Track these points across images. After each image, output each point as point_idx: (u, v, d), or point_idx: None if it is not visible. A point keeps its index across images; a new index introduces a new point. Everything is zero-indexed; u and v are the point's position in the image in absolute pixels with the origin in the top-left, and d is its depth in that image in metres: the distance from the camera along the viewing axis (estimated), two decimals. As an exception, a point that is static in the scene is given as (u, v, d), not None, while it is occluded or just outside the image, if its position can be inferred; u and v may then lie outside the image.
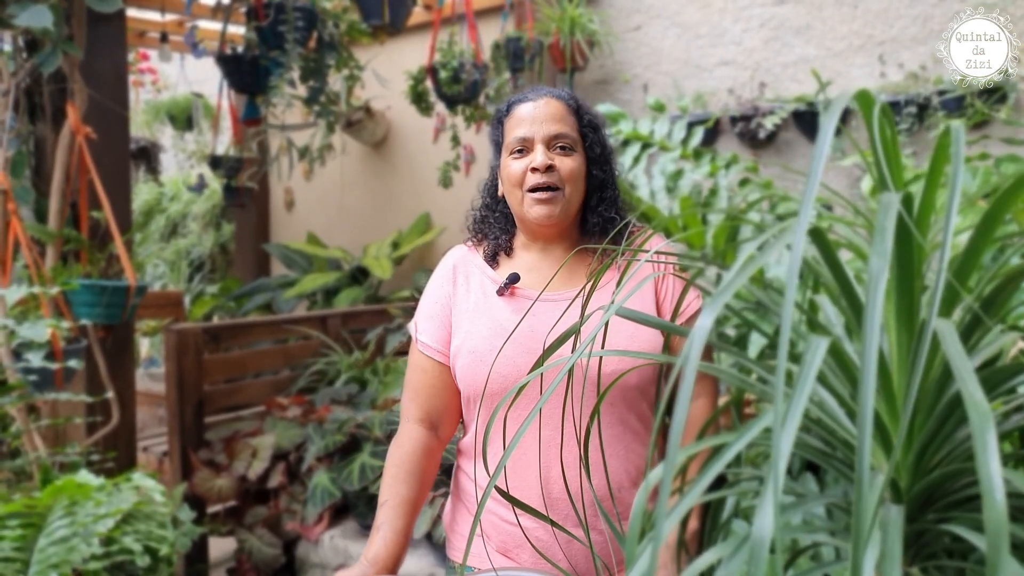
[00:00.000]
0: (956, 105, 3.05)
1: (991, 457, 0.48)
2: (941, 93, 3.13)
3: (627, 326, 1.22)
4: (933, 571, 0.79)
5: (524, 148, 1.29)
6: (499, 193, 1.37)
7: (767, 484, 0.52)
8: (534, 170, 1.26)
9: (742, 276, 0.58)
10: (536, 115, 1.29)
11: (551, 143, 1.28)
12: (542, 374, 1.19)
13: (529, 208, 1.28)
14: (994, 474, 0.47)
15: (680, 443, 1.36)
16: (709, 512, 1.04)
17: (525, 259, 1.35)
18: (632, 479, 1.26)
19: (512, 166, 1.29)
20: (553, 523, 0.98)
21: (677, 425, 0.54)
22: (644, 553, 0.62)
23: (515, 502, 0.96)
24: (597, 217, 1.33)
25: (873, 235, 0.56)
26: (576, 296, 1.11)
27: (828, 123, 0.59)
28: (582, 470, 1.14)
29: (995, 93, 3.03)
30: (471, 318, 1.29)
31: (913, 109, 3.22)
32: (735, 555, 0.67)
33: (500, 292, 1.30)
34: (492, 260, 1.36)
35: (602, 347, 1.09)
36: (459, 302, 1.33)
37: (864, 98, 0.64)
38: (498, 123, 1.37)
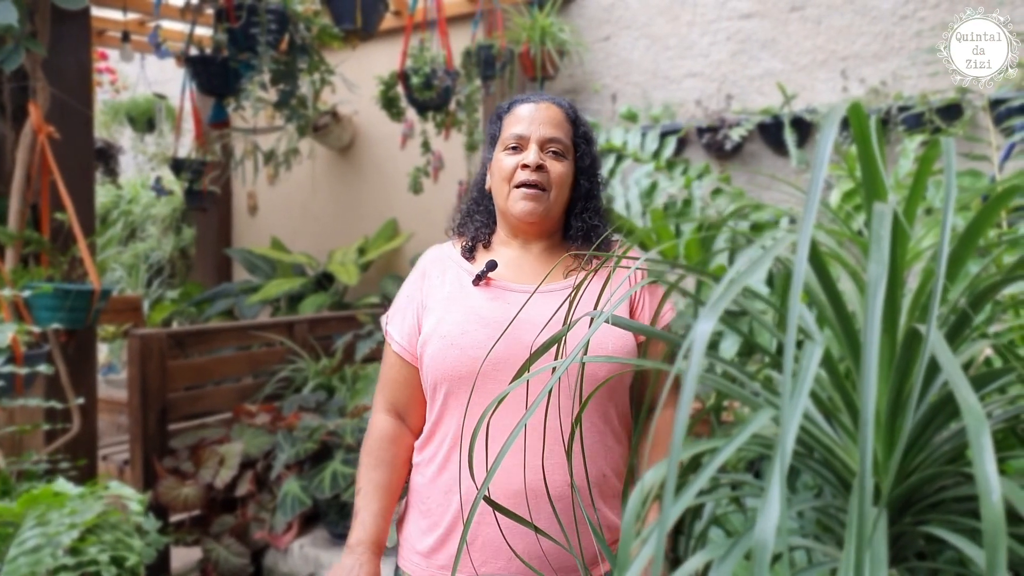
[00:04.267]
0: (916, 121, 3.15)
1: (987, 459, 0.49)
2: (901, 109, 3.23)
3: (600, 329, 1.24)
4: (906, 573, 0.81)
5: (518, 145, 1.33)
6: (487, 187, 1.41)
7: (771, 486, 0.53)
8: (524, 167, 1.30)
9: (739, 283, 0.59)
10: (535, 116, 1.34)
11: (545, 145, 1.33)
12: (517, 364, 1.20)
13: (514, 202, 1.31)
14: (990, 475, 0.49)
15: (652, 451, 1.36)
16: (686, 519, 1.05)
17: (503, 255, 1.37)
18: (594, 480, 1.27)
19: (504, 160, 1.33)
20: (538, 530, 0.98)
21: (680, 425, 0.55)
22: (646, 548, 0.63)
23: (497, 507, 0.96)
24: (581, 223, 1.37)
25: (870, 243, 0.58)
26: (574, 293, 1.12)
27: (827, 133, 0.60)
28: (544, 466, 1.15)
29: (951, 110, 3.14)
30: (444, 306, 1.31)
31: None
32: (726, 558, 0.67)
33: (476, 281, 1.32)
34: (469, 254, 1.39)
35: (585, 350, 1.11)
36: (432, 294, 1.35)
37: (857, 111, 0.66)
38: (497, 118, 1.41)
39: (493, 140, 1.40)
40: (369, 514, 1.30)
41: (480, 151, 2.72)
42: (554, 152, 1.33)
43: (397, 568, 1.36)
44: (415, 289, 1.38)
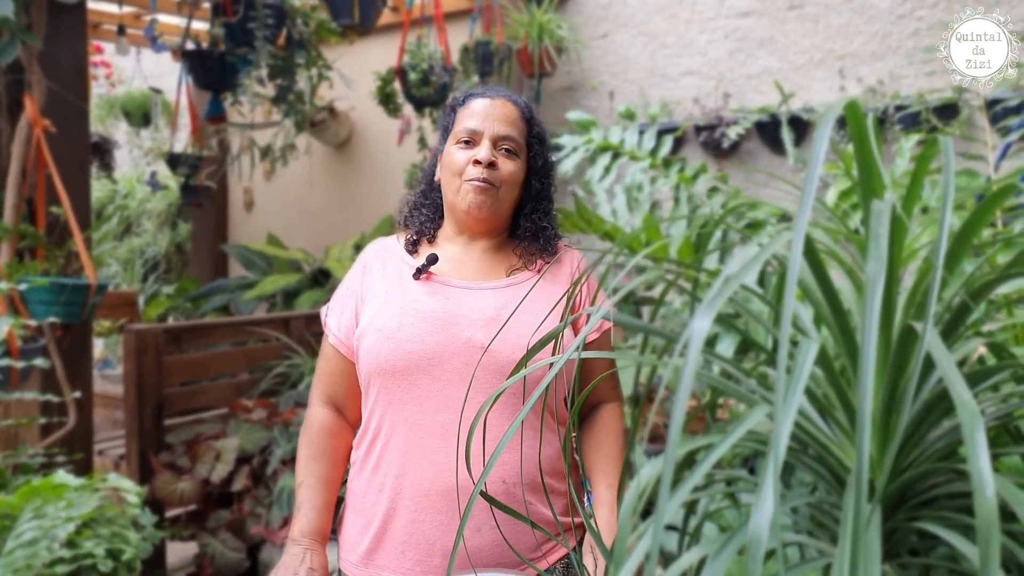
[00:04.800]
0: (912, 120, 3.16)
1: (981, 455, 0.50)
2: (898, 108, 3.24)
3: (534, 320, 1.23)
4: (899, 569, 0.82)
5: (471, 140, 1.31)
6: (436, 179, 1.39)
7: (764, 481, 0.53)
8: (476, 163, 1.29)
9: (736, 280, 0.59)
10: (490, 112, 1.32)
11: (498, 143, 1.31)
12: (452, 360, 1.20)
13: (464, 196, 1.30)
14: (984, 471, 0.49)
15: (601, 443, 1.34)
16: (679, 515, 1.05)
17: (447, 250, 1.36)
18: (528, 475, 1.25)
19: (456, 154, 1.31)
20: (514, 512, 0.97)
21: (676, 423, 0.55)
22: (641, 543, 0.63)
23: (491, 500, 0.96)
24: (530, 223, 1.36)
25: (868, 241, 0.58)
26: (573, 289, 1.12)
27: (823, 131, 0.61)
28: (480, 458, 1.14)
29: (948, 109, 3.15)
30: (383, 299, 1.30)
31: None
32: (720, 553, 0.67)
33: (416, 275, 1.30)
34: (413, 247, 1.38)
35: (581, 347, 1.11)
36: (372, 287, 1.33)
37: (853, 109, 0.67)
38: (451, 110, 1.39)
39: (446, 132, 1.38)
40: (312, 507, 1.29)
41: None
42: (507, 150, 1.31)
43: (339, 571, 1.34)
44: (355, 282, 1.36)
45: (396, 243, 1.40)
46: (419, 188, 1.44)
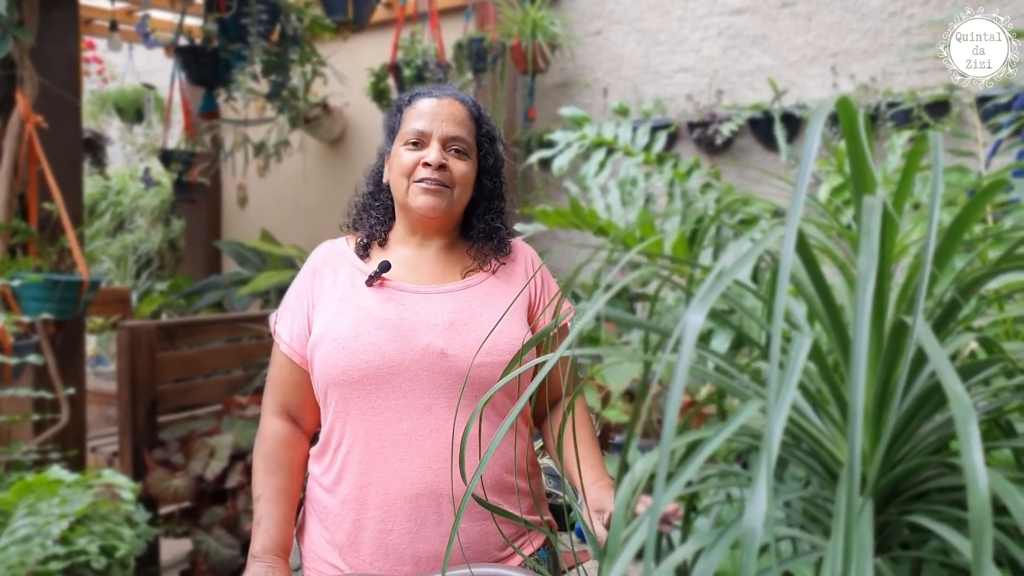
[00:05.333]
0: (904, 117, 3.17)
1: (974, 448, 0.50)
2: (890, 105, 3.25)
3: (492, 324, 1.23)
4: (891, 562, 0.82)
5: (419, 142, 1.28)
6: (384, 180, 1.36)
7: (758, 475, 0.54)
8: (426, 165, 1.26)
9: (729, 276, 0.60)
10: (437, 112, 1.29)
11: (447, 144, 1.28)
12: (411, 367, 1.19)
13: (415, 197, 1.27)
14: (977, 464, 0.50)
15: (577, 436, 1.36)
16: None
17: (400, 253, 1.33)
18: (495, 477, 1.26)
19: (404, 156, 1.28)
20: (516, 517, 0.98)
21: (670, 418, 0.55)
22: (636, 536, 0.63)
23: (483, 503, 0.96)
24: (483, 224, 1.34)
25: (859, 236, 0.59)
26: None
27: (814, 128, 0.61)
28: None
29: (939, 106, 3.16)
30: (336, 308, 1.26)
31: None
32: (715, 546, 0.68)
33: (369, 282, 1.27)
34: (364, 252, 1.34)
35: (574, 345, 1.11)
36: (323, 294, 1.30)
37: (845, 106, 0.67)
38: (397, 111, 1.35)
39: (392, 132, 1.34)
40: (272, 521, 1.25)
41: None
42: (457, 150, 1.29)
43: None
44: (305, 288, 1.32)
45: (346, 246, 1.36)
46: (366, 190, 1.40)
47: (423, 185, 1.26)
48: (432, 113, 1.29)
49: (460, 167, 1.28)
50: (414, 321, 1.23)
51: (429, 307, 1.25)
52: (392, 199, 1.34)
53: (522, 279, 1.33)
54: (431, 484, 1.19)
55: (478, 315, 1.25)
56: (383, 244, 1.35)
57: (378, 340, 1.21)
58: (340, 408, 1.24)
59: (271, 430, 1.31)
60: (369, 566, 1.22)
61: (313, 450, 1.33)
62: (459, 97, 1.34)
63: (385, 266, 1.28)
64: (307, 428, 1.34)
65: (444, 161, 1.26)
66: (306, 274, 1.34)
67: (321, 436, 1.30)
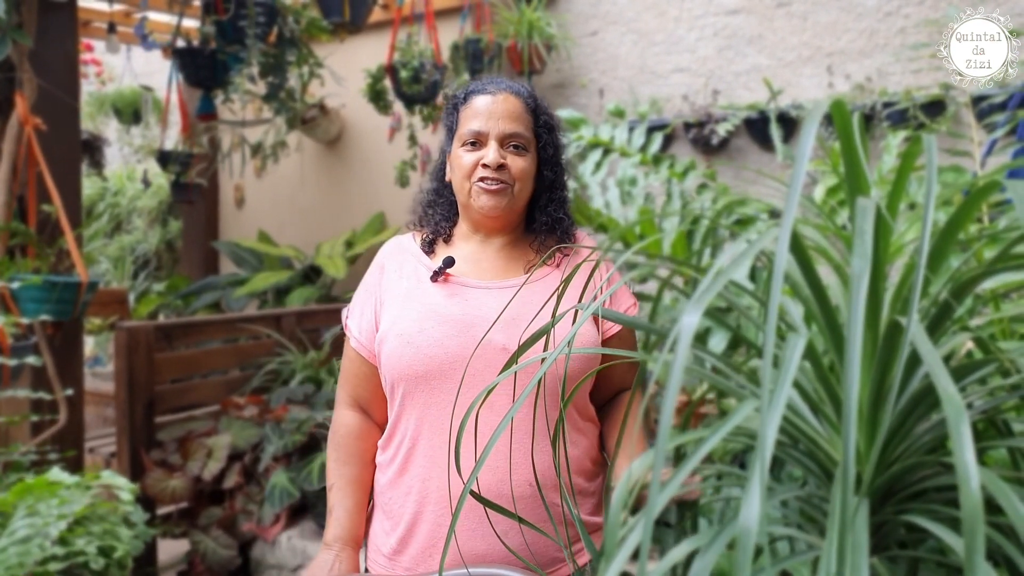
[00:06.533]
0: (900, 117, 3.18)
1: (966, 448, 0.51)
2: (885, 105, 3.26)
3: (566, 324, 1.22)
4: (887, 561, 0.83)
5: (477, 141, 1.28)
6: (446, 178, 1.37)
7: (752, 474, 0.54)
8: (484, 166, 1.26)
9: (725, 276, 0.60)
10: (493, 110, 1.28)
11: (505, 141, 1.28)
12: (475, 363, 1.20)
13: (476, 197, 1.27)
14: (969, 463, 0.50)
15: (629, 441, 1.35)
16: (671, 510, 1.06)
17: (464, 249, 1.34)
18: (552, 473, 1.24)
19: (463, 157, 1.29)
20: (522, 519, 0.98)
21: (666, 417, 0.56)
22: (632, 537, 0.64)
23: (486, 502, 0.94)
24: (546, 216, 1.34)
25: (853, 238, 0.59)
26: (565, 291, 1.11)
27: (809, 129, 0.62)
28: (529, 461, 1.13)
29: (935, 106, 3.17)
30: (401, 303, 1.28)
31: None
32: (711, 546, 0.68)
33: (434, 277, 1.28)
34: (429, 248, 1.35)
35: (569, 346, 1.11)
36: (390, 289, 1.32)
37: (839, 108, 0.68)
38: (453, 109, 1.35)
39: (450, 132, 1.35)
40: (344, 510, 1.28)
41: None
42: (515, 146, 1.28)
43: (366, 569, 1.34)
44: (373, 283, 1.35)
45: (411, 242, 1.38)
46: (431, 187, 1.42)
47: (483, 185, 1.26)
48: (488, 111, 1.28)
49: (519, 163, 1.28)
50: (476, 316, 1.23)
51: (491, 302, 1.25)
52: (456, 196, 1.35)
53: (585, 273, 1.31)
54: (490, 483, 1.19)
55: (539, 311, 1.23)
56: (448, 240, 1.36)
57: (441, 335, 1.23)
58: (406, 401, 1.26)
59: (343, 421, 1.34)
60: (427, 558, 1.23)
61: (380, 441, 1.34)
62: (514, 90, 1.32)
63: (449, 262, 1.29)
64: (378, 419, 1.36)
65: (503, 160, 1.26)
66: (374, 270, 1.37)
67: (387, 428, 1.32)
